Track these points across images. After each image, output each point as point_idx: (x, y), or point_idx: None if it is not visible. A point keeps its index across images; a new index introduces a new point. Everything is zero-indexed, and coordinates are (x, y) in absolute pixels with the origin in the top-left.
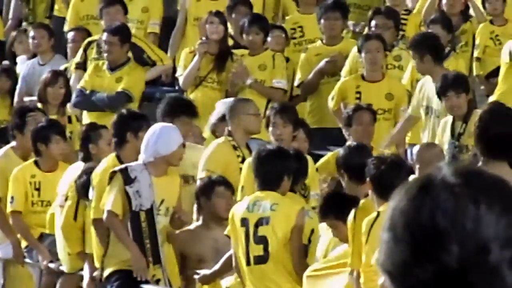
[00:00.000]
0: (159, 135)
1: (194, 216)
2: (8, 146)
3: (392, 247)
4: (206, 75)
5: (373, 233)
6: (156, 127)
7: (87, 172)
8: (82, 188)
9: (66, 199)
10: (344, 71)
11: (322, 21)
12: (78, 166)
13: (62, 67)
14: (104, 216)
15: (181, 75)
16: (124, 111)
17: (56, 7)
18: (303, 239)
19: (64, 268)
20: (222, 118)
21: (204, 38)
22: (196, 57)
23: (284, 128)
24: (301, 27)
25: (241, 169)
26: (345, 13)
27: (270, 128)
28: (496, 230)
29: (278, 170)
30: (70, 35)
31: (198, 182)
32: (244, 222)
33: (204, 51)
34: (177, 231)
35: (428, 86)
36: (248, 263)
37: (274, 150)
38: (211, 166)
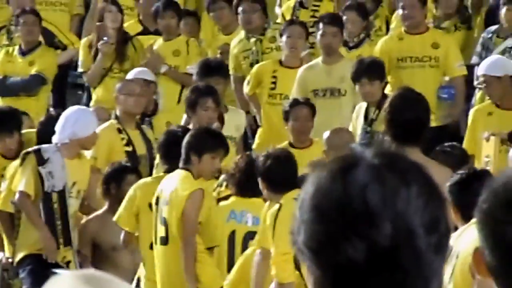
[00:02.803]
0: (77, 118)
1: None
2: None
3: (316, 226)
4: (110, 66)
5: (279, 224)
6: (73, 109)
7: None
8: None
9: None
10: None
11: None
12: None
13: None
14: (16, 197)
15: (84, 72)
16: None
17: None
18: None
19: None
20: None
21: (105, 38)
22: (100, 56)
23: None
24: None
25: (126, 152)
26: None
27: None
28: (422, 215)
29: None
30: None
31: (107, 168)
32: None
33: (107, 51)
34: (86, 219)
35: (312, 72)
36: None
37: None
38: (95, 152)
